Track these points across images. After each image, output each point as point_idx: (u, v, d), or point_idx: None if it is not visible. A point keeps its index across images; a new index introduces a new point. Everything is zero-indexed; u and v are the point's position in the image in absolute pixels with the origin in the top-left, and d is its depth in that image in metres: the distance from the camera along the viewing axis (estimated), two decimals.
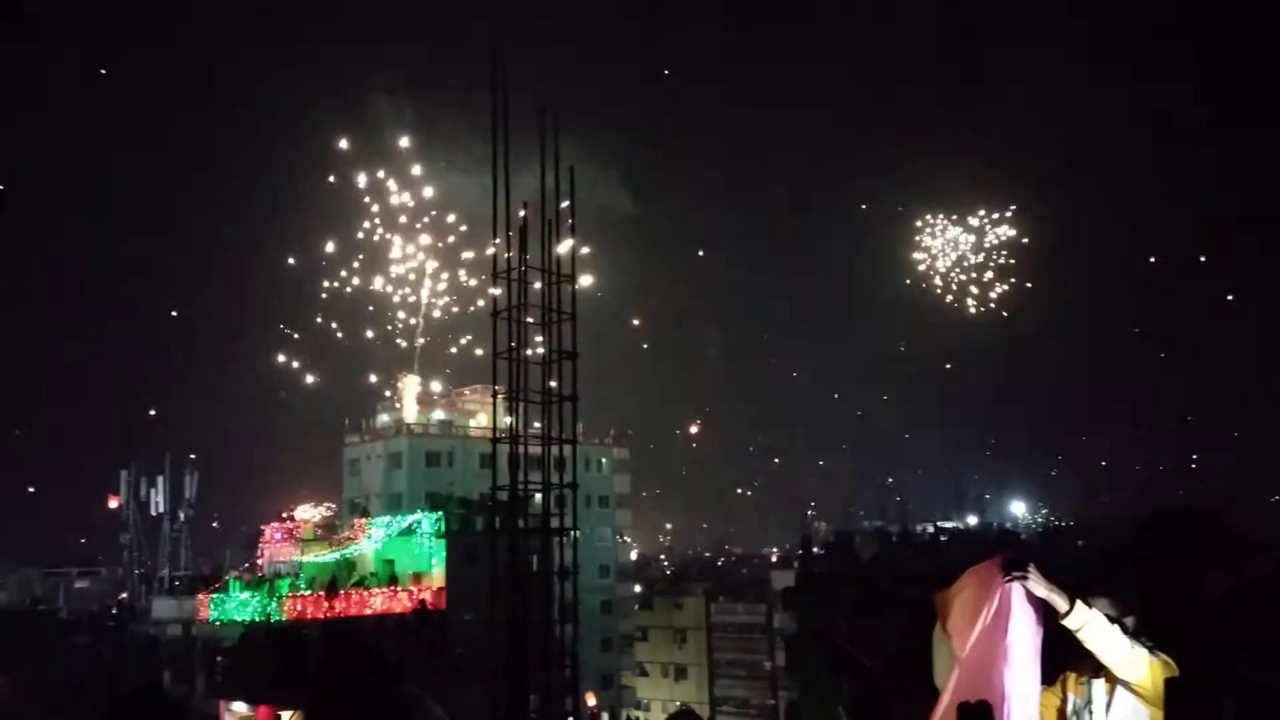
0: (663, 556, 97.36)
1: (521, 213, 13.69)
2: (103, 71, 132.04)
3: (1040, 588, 3.64)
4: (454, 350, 63.18)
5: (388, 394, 62.15)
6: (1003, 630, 3.60)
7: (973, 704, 2.87)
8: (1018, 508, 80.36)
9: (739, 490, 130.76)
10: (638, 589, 70.16)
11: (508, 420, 12.95)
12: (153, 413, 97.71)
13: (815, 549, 63.02)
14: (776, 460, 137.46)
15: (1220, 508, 12.67)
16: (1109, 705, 3.77)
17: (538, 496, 13.41)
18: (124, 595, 69.02)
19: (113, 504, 62.30)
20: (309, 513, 39.49)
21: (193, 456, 72.42)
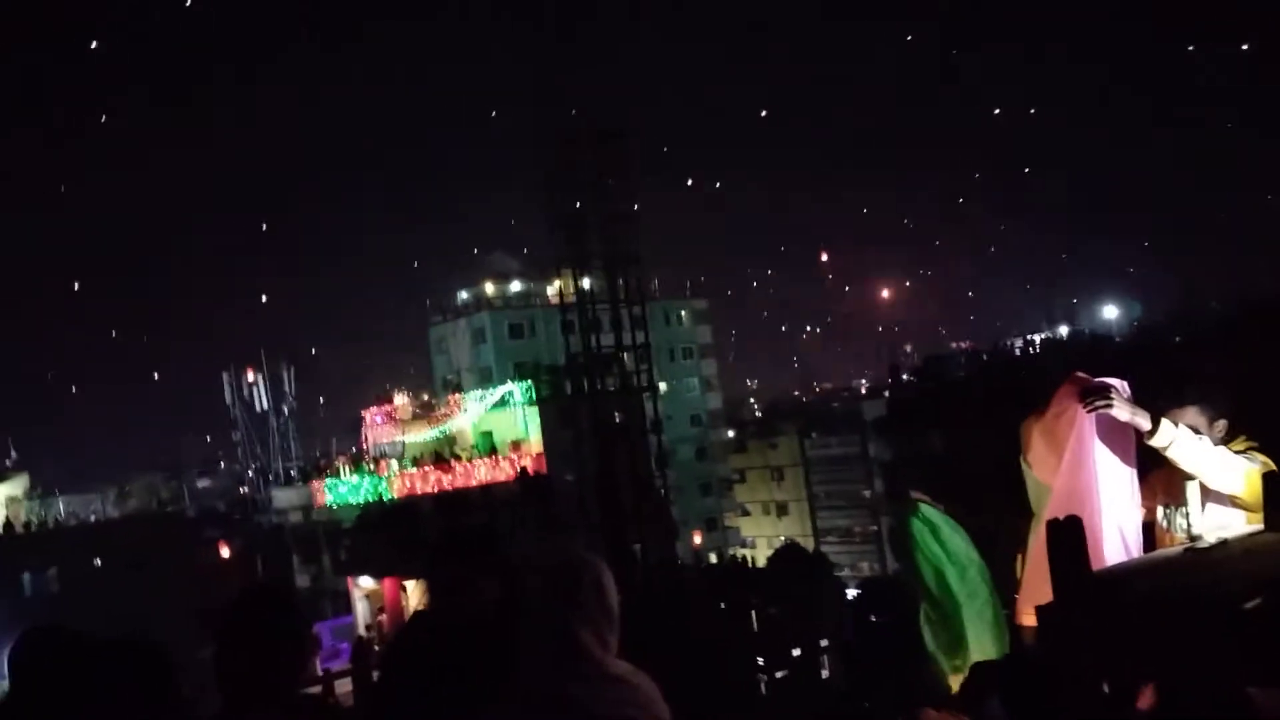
0: (752, 400, 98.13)
1: None
2: None
3: (1124, 411, 3.57)
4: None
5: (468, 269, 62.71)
6: (1089, 457, 3.58)
7: (1062, 520, 2.88)
8: (1110, 312, 78.09)
9: (814, 328, 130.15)
10: (731, 434, 71.20)
11: (582, 285, 13.08)
12: (265, 299, 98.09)
13: (904, 376, 62.89)
14: (848, 289, 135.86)
15: None
16: (1203, 508, 3.70)
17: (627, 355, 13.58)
18: (244, 489, 72.62)
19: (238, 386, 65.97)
20: (404, 399, 40.71)
21: (295, 353, 74.60)
